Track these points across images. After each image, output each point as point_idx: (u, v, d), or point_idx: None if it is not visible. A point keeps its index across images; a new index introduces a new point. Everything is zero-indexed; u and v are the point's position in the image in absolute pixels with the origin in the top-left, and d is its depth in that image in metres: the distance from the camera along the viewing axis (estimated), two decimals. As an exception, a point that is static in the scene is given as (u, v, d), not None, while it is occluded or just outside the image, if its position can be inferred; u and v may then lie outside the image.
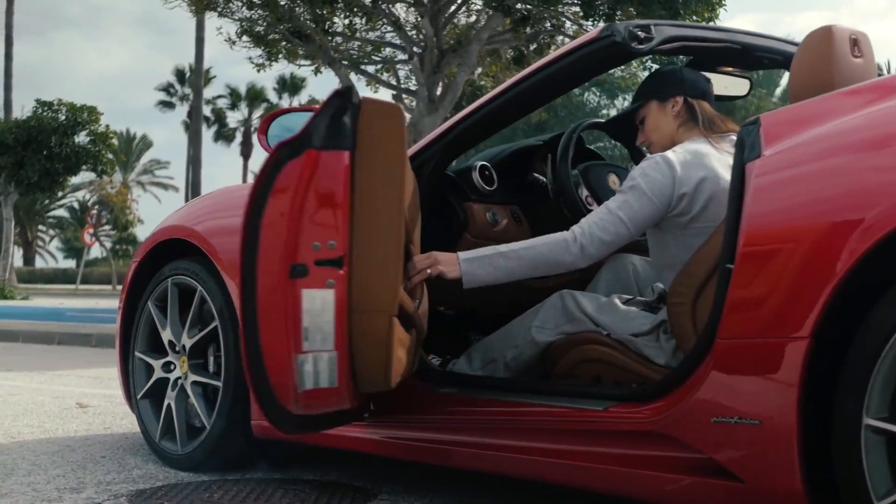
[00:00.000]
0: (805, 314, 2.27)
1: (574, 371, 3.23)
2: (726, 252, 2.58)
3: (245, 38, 19.73)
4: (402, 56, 20.34)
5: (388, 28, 19.48)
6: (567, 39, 19.06)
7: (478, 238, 3.47)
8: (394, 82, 21.25)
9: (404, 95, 20.86)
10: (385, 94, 21.34)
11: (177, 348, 3.97)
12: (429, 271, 3.09)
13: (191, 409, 3.94)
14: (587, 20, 16.01)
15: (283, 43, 19.48)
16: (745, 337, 2.41)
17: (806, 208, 2.34)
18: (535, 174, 3.88)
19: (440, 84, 18.36)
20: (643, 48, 3.10)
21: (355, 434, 3.48)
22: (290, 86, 58.17)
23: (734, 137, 3.20)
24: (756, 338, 2.38)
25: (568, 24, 18.22)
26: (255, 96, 60.69)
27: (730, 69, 3.55)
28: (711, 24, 12.95)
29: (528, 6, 16.27)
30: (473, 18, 19.46)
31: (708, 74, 3.54)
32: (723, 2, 15.05)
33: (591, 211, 3.70)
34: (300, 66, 20.54)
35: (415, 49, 18.75)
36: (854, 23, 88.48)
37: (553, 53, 3.23)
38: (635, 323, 3.18)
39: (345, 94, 2.78)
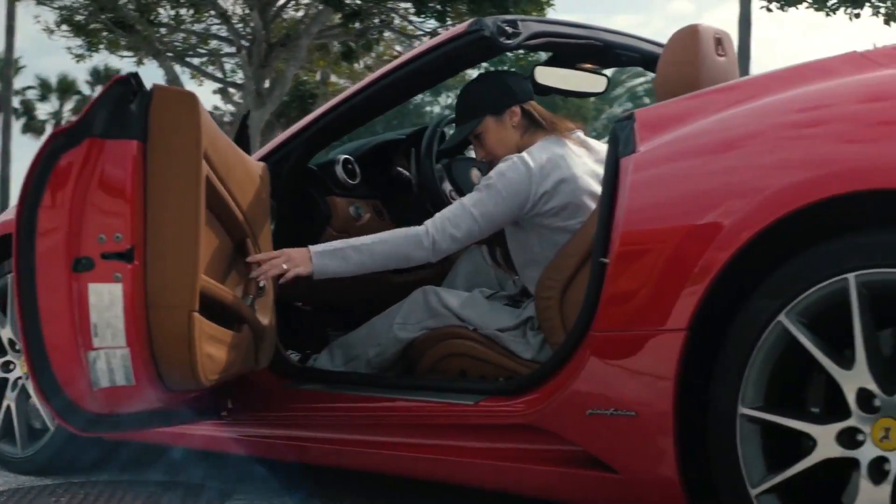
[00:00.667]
0: (682, 307, 2.30)
1: (438, 366, 3.21)
2: (599, 246, 2.60)
3: (64, 27, 19.08)
4: (228, 49, 19.99)
5: (216, 20, 19.12)
6: (394, 35, 19.11)
7: (341, 232, 3.42)
8: (220, 75, 20.88)
9: (231, 89, 20.54)
10: (211, 87, 20.96)
11: (17, 347, 3.79)
12: (284, 266, 3.01)
13: (31, 411, 3.77)
14: (419, 16, 16.05)
15: (105, 33, 18.91)
16: (622, 329, 2.43)
17: (682, 203, 2.38)
18: (399, 168, 3.85)
19: (268, 78, 18.10)
20: (510, 43, 3.10)
21: (210, 433, 3.39)
22: (104, 78, 56.51)
23: (580, 134, 3.23)
24: (633, 330, 2.41)
25: (397, 20, 18.24)
26: (66, 88, 58.52)
27: (588, 66, 3.59)
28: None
29: (359, 1, 16.22)
30: (302, 13, 19.26)
31: (566, 70, 3.57)
32: (550, 1, 15.31)
33: None
34: (122, 57, 20.00)
35: (243, 42, 18.44)
36: (666, 25, 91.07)
37: (420, 47, 3.21)
38: (500, 318, 3.17)
39: (127, 82, 2.68)
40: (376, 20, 17.95)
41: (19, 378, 3.77)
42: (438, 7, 14.95)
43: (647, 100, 37.67)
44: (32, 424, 3.76)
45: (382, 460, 3.03)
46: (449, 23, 15.22)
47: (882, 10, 13.80)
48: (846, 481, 2.19)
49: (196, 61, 20.60)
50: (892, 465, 2.07)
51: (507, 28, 3.09)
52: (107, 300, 2.58)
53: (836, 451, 2.13)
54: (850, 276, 2.12)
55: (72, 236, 2.59)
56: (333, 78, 22.88)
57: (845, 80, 2.33)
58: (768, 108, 2.36)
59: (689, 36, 2.85)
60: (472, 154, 3.70)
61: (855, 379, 2.12)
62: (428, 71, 3.20)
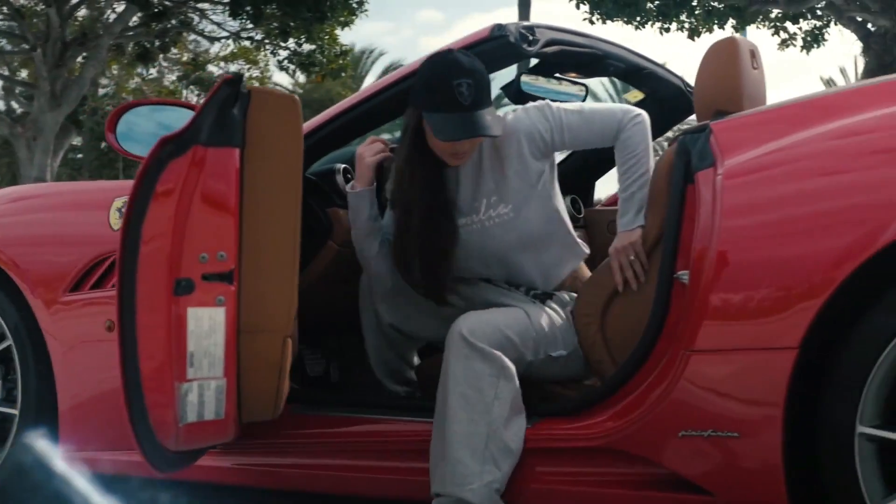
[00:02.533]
0: (793, 325, 2.26)
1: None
2: (669, 261, 2.55)
3: None
4: (9, 46, 18.90)
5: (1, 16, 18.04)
6: (195, 36, 18.61)
7: (342, 246, 3.22)
8: (5, 73, 19.77)
9: (18, 88, 19.48)
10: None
11: None
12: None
13: None
14: (233, 19, 15.63)
15: None
16: (722, 348, 2.36)
17: (792, 221, 2.32)
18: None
19: (62, 78, 17.19)
20: (531, 50, 3.01)
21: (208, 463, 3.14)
22: None
23: None
24: (736, 348, 2.34)
25: (197, 20, 17.72)
26: None
27: (572, 75, 3.52)
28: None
29: (167, 2, 15.69)
30: (100, 10, 18.42)
31: (548, 79, 3.50)
32: (363, 7, 15.25)
33: None
34: None
35: (36, 40, 17.45)
36: (415, 34, 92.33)
37: (437, 51, 3.06)
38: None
39: (235, 82, 2.48)
40: (173, 20, 17.38)
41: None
42: (252, 10, 14.61)
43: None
44: None
45: (402, 487, 2.88)
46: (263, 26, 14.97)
47: (686, 26, 14.38)
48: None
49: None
50: None
51: (528, 34, 3.00)
52: (206, 326, 2.36)
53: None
54: (980, 293, 2.13)
55: (174, 255, 2.38)
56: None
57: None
58: (879, 123, 2.34)
59: (729, 48, 2.82)
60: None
61: None
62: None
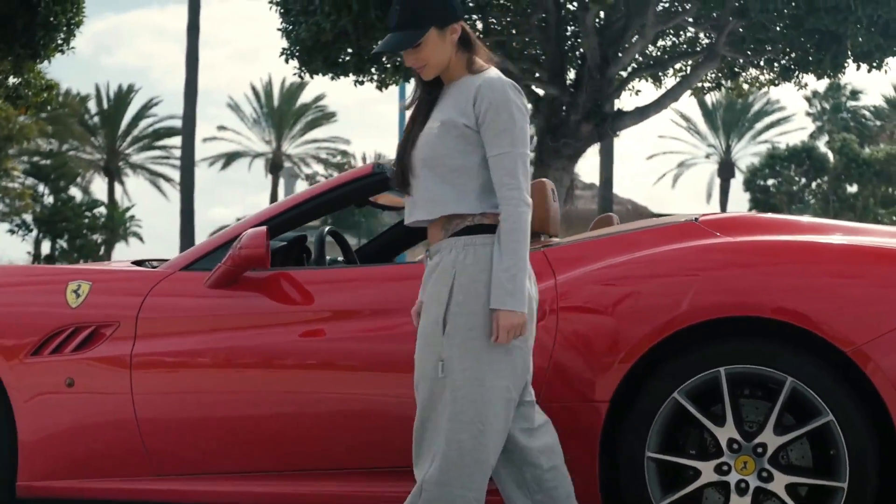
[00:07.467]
0: (606, 385, 3.52)
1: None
2: None
3: None
4: None
5: None
6: None
7: None
8: None
9: None
10: None
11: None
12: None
13: None
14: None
15: None
16: (556, 401, 3.57)
17: (612, 313, 3.57)
18: None
19: None
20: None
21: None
22: None
23: None
24: (566, 402, 3.58)
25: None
26: None
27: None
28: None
29: None
30: None
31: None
32: (70, 45, 15.56)
33: None
34: None
35: None
36: (86, 43, 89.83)
37: (327, 184, 4.06)
38: None
39: None
40: None
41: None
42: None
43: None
44: None
45: None
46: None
47: (376, 78, 15.71)
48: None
49: None
50: (749, 485, 3.43)
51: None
52: None
53: (714, 477, 3.46)
54: (721, 370, 3.46)
55: None
56: None
57: (707, 241, 3.67)
58: (658, 258, 3.64)
59: (541, 189, 4.03)
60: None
61: (726, 432, 3.46)
62: (335, 201, 4.10)
